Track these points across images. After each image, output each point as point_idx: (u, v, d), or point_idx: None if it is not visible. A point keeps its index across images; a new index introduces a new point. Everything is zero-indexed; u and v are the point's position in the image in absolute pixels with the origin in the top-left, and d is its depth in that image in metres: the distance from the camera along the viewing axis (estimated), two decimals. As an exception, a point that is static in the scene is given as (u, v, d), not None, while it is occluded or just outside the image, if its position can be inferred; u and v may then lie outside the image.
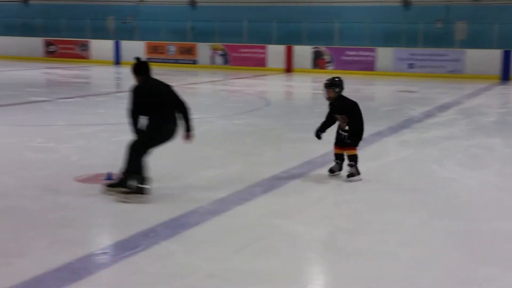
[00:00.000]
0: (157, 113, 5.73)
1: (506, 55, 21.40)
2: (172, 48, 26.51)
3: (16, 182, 6.33)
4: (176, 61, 26.34)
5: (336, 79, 6.71)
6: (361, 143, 6.67)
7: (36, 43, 28.43)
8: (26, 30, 29.70)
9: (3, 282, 3.87)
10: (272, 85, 19.80)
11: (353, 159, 6.62)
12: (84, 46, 27.76)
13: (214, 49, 25.71)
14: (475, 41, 23.05)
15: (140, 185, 5.72)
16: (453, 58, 22.12)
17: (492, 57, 21.63)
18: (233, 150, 8.43)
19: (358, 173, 6.61)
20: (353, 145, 6.64)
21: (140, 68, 5.95)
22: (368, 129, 9.93)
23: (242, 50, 25.31)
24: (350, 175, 6.57)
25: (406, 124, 10.84)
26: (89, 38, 28.09)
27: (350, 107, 6.65)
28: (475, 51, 22.11)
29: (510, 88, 18.81)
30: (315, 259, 4.53)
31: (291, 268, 4.23)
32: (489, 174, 7.08)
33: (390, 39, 24.26)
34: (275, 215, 5.38)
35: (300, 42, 25.01)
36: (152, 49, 26.74)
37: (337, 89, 6.66)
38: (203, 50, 25.92)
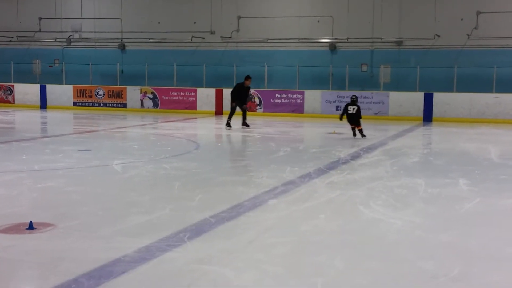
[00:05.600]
0: None
1: (427, 97, 22.29)
2: (101, 91, 26.19)
3: None
4: (105, 105, 26.01)
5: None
6: (290, 186, 6.69)
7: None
8: None
9: None
10: (202, 128, 19.80)
11: None
12: (9, 91, 27.04)
13: (144, 93, 25.59)
14: (398, 84, 23.95)
15: None
16: (378, 101, 22.84)
17: (415, 99, 22.49)
18: (161, 195, 8.31)
19: None
20: None
21: None
22: (296, 171, 10.09)
23: (172, 93, 25.30)
24: None
25: (334, 165, 11.01)
26: (14, 82, 27.44)
27: None
28: (398, 93, 22.94)
29: (432, 129, 19.52)
30: (244, 305, 4.46)
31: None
32: (413, 215, 7.24)
33: (318, 82, 24.85)
34: (203, 261, 5.30)
35: (230, 85, 25.24)
36: (80, 93, 26.34)
37: None
38: (133, 93, 25.75)
